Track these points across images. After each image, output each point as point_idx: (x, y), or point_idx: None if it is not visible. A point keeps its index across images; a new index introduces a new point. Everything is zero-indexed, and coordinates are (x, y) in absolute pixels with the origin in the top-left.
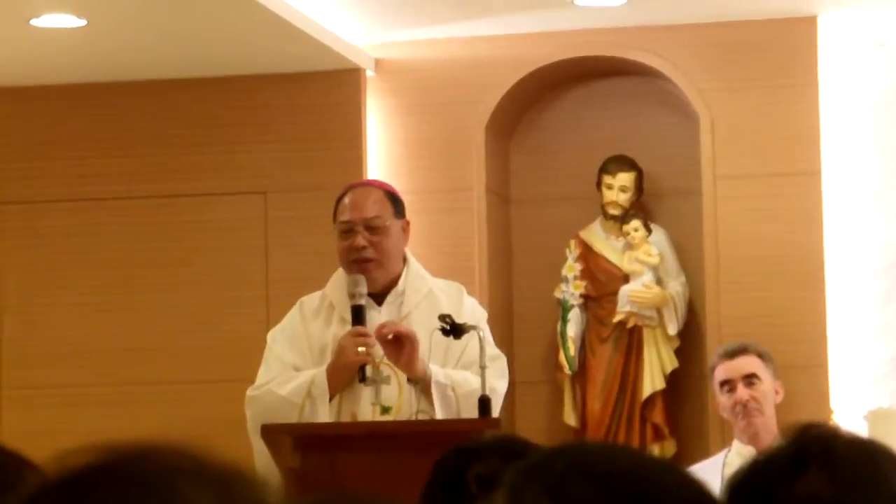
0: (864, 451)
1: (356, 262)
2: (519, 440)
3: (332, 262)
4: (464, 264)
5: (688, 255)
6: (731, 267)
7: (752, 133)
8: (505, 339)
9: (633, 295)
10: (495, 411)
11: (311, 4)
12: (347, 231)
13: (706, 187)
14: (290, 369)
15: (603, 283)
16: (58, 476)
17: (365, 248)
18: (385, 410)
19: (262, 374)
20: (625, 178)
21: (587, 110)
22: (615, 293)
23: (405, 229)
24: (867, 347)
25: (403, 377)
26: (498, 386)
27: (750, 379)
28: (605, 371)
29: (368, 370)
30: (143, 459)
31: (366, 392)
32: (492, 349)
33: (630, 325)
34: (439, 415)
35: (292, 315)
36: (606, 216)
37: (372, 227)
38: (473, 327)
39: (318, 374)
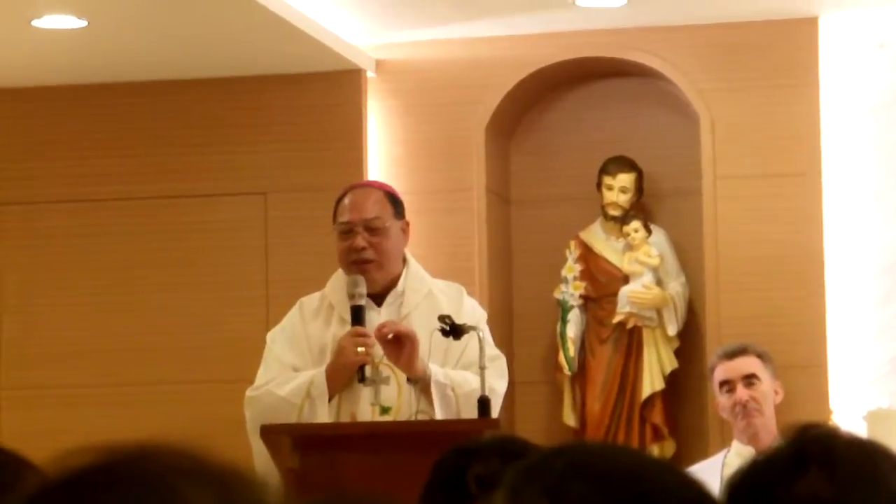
0: (863, 452)
1: (356, 263)
2: (518, 440)
3: (332, 263)
4: (464, 265)
5: (688, 256)
6: (730, 267)
7: (752, 134)
8: (505, 340)
9: (633, 296)
10: (495, 412)
11: (312, 5)
12: (347, 232)
13: (706, 188)
14: (290, 370)
15: (603, 283)
16: (57, 476)
17: (364, 248)
18: (384, 411)
19: (262, 375)
20: (625, 179)
21: (587, 111)
22: (615, 294)
23: (405, 230)
24: (866, 348)
25: (403, 377)
26: (497, 386)
27: (749, 379)
28: (604, 372)
29: (368, 370)
30: (142, 460)
31: (365, 392)
32: (491, 349)
33: (630, 325)
34: (439, 415)
35: (292, 315)
36: (606, 217)
37: (372, 228)
38: (473, 328)
39: (317, 374)
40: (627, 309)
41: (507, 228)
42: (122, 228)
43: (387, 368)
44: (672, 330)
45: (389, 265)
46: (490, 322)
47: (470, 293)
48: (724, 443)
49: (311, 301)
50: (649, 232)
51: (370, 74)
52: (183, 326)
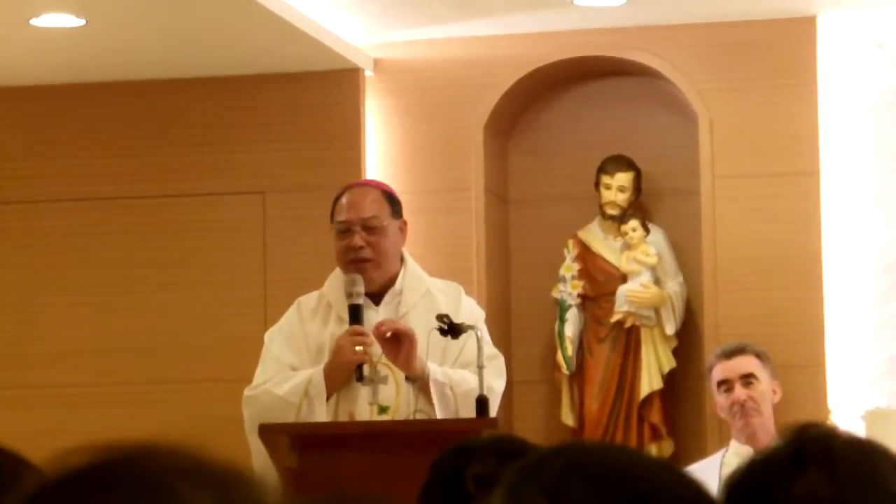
0: (862, 451)
1: (353, 262)
2: (517, 440)
3: (331, 262)
4: (462, 264)
5: (686, 255)
6: (729, 267)
7: (750, 133)
8: (503, 339)
9: (631, 295)
10: (493, 411)
11: (310, 4)
12: (345, 231)
13: (705, 187)
14: (288, 369)
15: (601, 282)
16: (56, 476)
17: (362, 247)
18: (383, 410)
19: (260, 374)
20: (623, 178)
21: (586, 110)
22: (613, 293)
23: (402, 229)
24: (865, 347)
25: (401, 376)
26: (496, 385)
27: (747, 379)
28: (602, 371)
29: (366, 369)
30: (140, 459)
31: (363, 391)
32: (489, 349)
33: (628, 324)
34: (438, 413)
35: (290, 315)
36: (605, 216)
37: (369, 227)
38: (471, 327)
39: (315, 373)
40: (625, 308)
41: (505, 227)
42: (121, 228)
43: (385, 367)
44: (670, 329)
45: (387, 264)
46: (488, 321)
47: (468, 292)
48: (723, 442)
49: (308, 300)
50: (647, 231)
51: (368, 74)
52: (181, 326)
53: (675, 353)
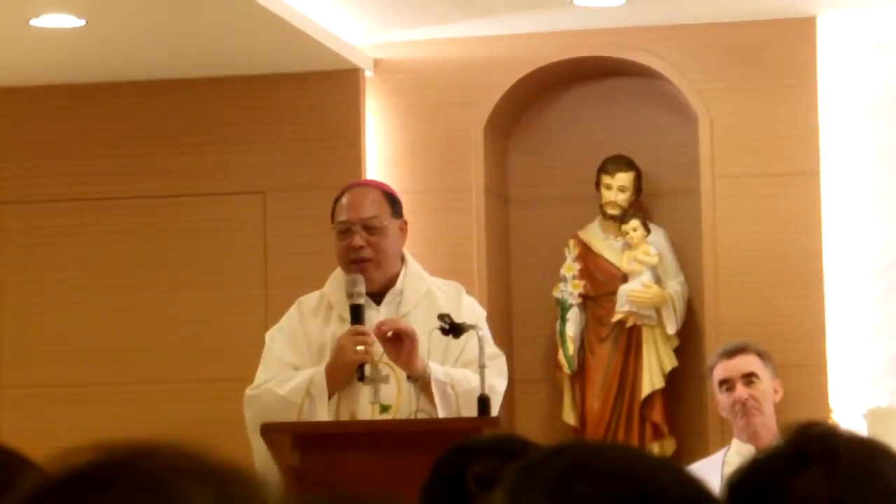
0: (863, 450)
1: (354, 262)
2: (518, 439)
3: (331, 262)
4: (463, 264)
5: (686, 255)
6: (729, 266)
7: (750, 133)
8: (504, 339)
9: (632, 294)
10: (494, 410)
11: (310, 5)
12: (345, 231)
13: (705, 187)
14: (289, 368)
15: (602, 282)
16: (56, 475)
17: (363, 247)
18: (384, 409)
19: (261, 374)
20: (623, 178)
21: (586, 110)
22: (614, 293)
23: (403, 229)
24: (866, 346)
25: (402, 376)
26: (497, 385)
27: (749, 378)
28: (604, 370)
29: (367, 369)
30: (141, 458)
31: (365, 391)
32: (491, 348)
33: (629, 324)
34: (439, 412)
35: (290, 315)
36: (605, 216)
37: (369, 227)
38: (472, 326)
39: (316, 373)
40: (626, 307)
41: (505, 227)
42: (122, 228)
43: (386, 367)
44: (671, 329)
45: (388, 264)
46: (489, 321)
47: (469, 292)
48: (724, 441)
49: (309, 300)
50: (648, 231)
51: (368, 74)
52: (182, 325)
53: (677, 352)
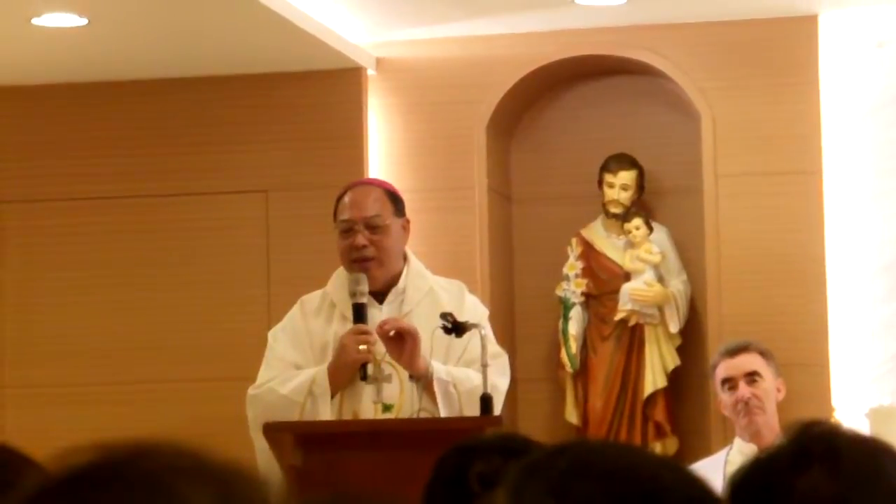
0: (866, 449)
1: (357, 261)
2: (520, 438)
3: (334, 261)
4: (465, 263)
5: (689, 254)
6: (732, 265)
7: (753, 132)
8: (506, 337)
9: (635, 293)
10: (497, 409)
11: (313, 3)
12: (348, 230)
13: (707, 186)
14: (292, 368)
15: (604, 281)
16: (57, 475)
17: (365, 246)
18: (387, 408)
19: (264, 373)
20: (626, 177)
21: (588, 109)
22: (616, 291)
23: (405, 228)
24: (868, 345)
25: (405, 375)
26: (499, 383)
27: (751, 377)
28: (606, 369)
29: (370, 368)
30: (141, 458)
31: (367, 390)
32: (493, 347)
33: (632, 323)
34: (442, 411)
35: (293, 314)
36: (608, 214)
37: (372, 226)
38: (475, 325)
39: (319, 372)
40: (629, 306)
41: (508, 226)
42: (123, 227)
43: (389, 366)
44: (674, 327)
45: (390, 263)
46: (492, 319)
47: (471, 291)
48: (727, 440)
49: (311, 299)
50: (650, 229)
51: (371, 73)
52: (184, 325)
53: (679, 351)
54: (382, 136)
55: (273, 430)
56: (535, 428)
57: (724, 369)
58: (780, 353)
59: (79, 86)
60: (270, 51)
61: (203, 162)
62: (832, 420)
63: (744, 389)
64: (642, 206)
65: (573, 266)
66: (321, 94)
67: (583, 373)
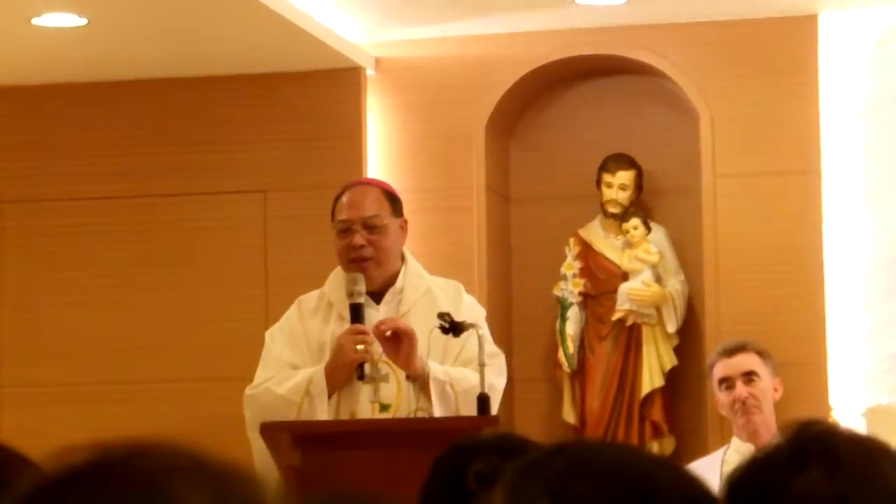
0: (863, 448)
1: (354, 261)
2: (518, 438)
3: (332, 261)
4: (463, 262)
5: (687, 254)
6: (730, 265)
7: (751, 131)
8: (504, 337)
9: (633, 293)
10: (494, 409)
11: (312, 3)
12: (345, 230)
13: (706, 185)
14: (289, 368)
15: (602, 280)
16: (52, 474)
17: (363, 246)
18: (384, 408)
19: (261, 373)
20: (624, 177)
21: (587, 109)
22: (614, 291)
23: (403, 228)
24: (866, 345)
25: (402, 375)
26: (497, 383)
27: (749, 376)
28: (604, 369)
29: (367, 368)
30: (137, 458)
31: (365, 390)
32: (490, 347)
33: (629, 322)
34: (437, 411)
35: (290, 314)
36: (606, 214)
37: (370, 226)
38: (472, 325)
39: (316, 372)
40: (627, 306)
41: (506, 226)
42: (122, 227)
43: (386, 366)
44: (671, 327)
45: (388, 263)
46: (489, 319)
47: (469, 290)
48: (724, 440)
49: (309, 299)
50: (649, 229)
51: (370, 72)
52: (182, 324)
53: (677, 350)
54: (381, 135)
55: (270, 430)
56: (532, 427)
57: (721, 369)
58: (778, 353)
59: (78, 86)
60: (269, 51)
61: (202, 162)
62: (829, 419)
63: (741, 389)
64: (640, 205)
65: (571, 266)
66: (320, 94)
67: (580, 372)
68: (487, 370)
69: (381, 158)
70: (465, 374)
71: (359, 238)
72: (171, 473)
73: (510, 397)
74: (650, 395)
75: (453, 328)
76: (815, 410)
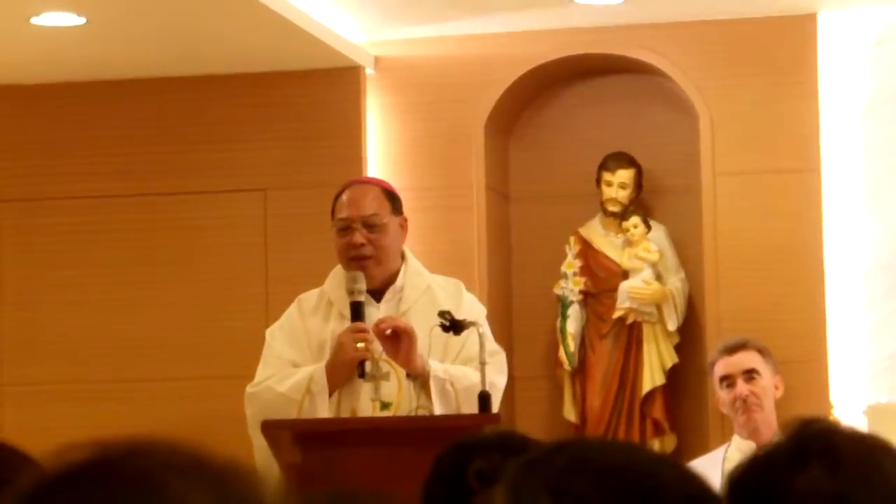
0: (864, 446)
1: (354, 260)
2: (518, 436)
3: (332, 260)
4: (463, 261)
5: (687, 252)
6: (730, 263)
7: (751, 130)
8: (504, 336)
9: (633, 291)
10: (495, 407)
11: (311, 2)
12: (345, 228)
13: (705, 184)
14: (289, 366)
15: (602, 279)
16: (52, 473)
17: (363, 245)
18: (385, 406)
19: (261, 372)
20: (624, 175)
21: (586, 107)
22: (615, 289)
23: (403, 226)
24: (866, 343)
25: (403, 373)
26: (497, 381)
27: (750, 374)
28: (604, 367)
29: (368, 366)
30: (136, 456)
31: (365, 388)
32: (491, 345)
33: (630, 321)
34: (438, 410)
35: (290, 312)
36: (606, 213)
37: (370, 225)
38: (473, 323)
39: (317, 370)
40: (627, 304)
41: (506, 224)
42: (122, 225)
43: (386, 364)
44: (672, 325)
45: (388, 261)
46: (490, 318)
47: (469, 289)
48: (725, 437)
49: (309, 298)
50: (648, 228)
51: (369, 71)
52: (183, 323)
53: (677, 348)
54: (380, 134)
55: (271, 428)
56: (533, 426)
57: (722, 367)
58: (779, 351)
59: (77, 85)
60: (269, 50)
61: (201, 161)
62: (830, 417)
63: (742, 387)
64: (640, 204)
65: (571, 264)
66: (320, 93)
67: (581, 371)
68: (488, 368)
69: (380, 157)
70: (466, 372)
71: (359, 236)
72: (170, 472)
73: (511, 395)
74: (651, 393)
75: (454, 326)
76: (815, 408)
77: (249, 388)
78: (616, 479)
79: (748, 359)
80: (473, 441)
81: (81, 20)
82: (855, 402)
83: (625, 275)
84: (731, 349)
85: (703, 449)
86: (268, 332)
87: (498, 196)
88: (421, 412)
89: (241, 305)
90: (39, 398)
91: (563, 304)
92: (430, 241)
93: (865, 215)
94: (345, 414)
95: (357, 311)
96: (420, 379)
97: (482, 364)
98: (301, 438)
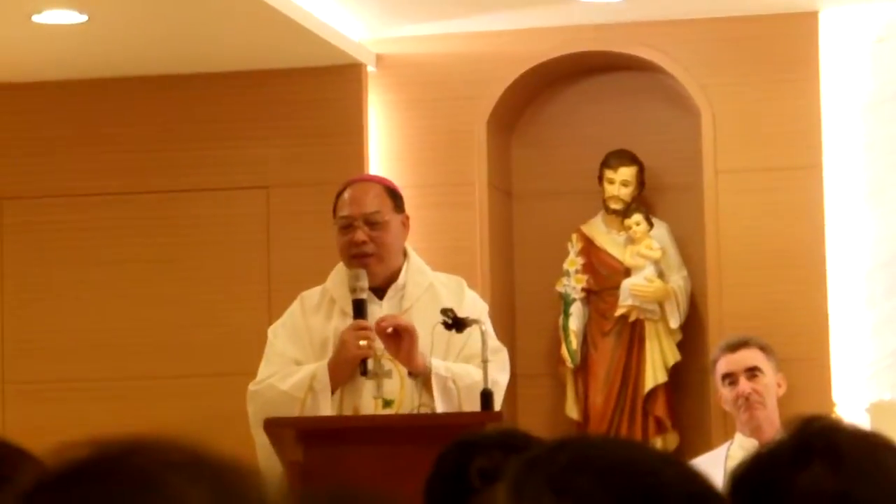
0: (867, 444)
1: (356, 257)
2: (521, 434)
3: (334, 257)
4: (465, 259)
5: (689, 249)
6: (732, 261)
7: (753, 127)
8: (507, 333)
9: (635, 289)
10: (497, 404)
11: (313, 1)
12: (347, 226)
13: (707, 182)
14: (292, 364)
15: (605, 276)
16: (51, 470)
17: (365, 242)
18: (387, 404)
19: (264, 369)
20: (626, 173)
21: (588, 105)
22: (617, 287)
23: (405, 224)
24: (869, 340)
25: (405, 370)
26: (500, 379)
27: (752, 372)
28: (607, 364)
29: (370, 364)
30: (135, 454)
31: (368, 385)
32: (493, 342)
33: (632, 318)
34: (440, 407)
35: (293, 310)
36: (608, 210)
37: (372, 222)
38: (475, 321)
39: (319, 368)
40: (629, 302)
41: (508, 222)
42: (124, 223)
43: (389, 362)
44: (674, 323)
45: (390, 259)
46: (492, 315)
47: (471, 286)
48: (727, 435)
49: (311, 295)
50: (651, 225)
51: (371, 69)
52: (185, 320)
53: (680, 346)
54: (383, 132)
55: (274, 426)
56: (535, 423)
57: (724, 364)
58: (781, 349)
59: (79, 83)
60: (271, 47)
61: (204, 158)
62: (833, 415)
63: (744, 384)
64: (642, 201)
65: (573, 262)
66: (322, 91)
67: (583, 368)
68: (490, 366)
69: (382, 155)
70: (468, 369)
71: (360, 234)
72: (170, 469)
73: (513, 393)
74: (653, 391)
75: (456, 324)
76: (818, 406)
77: (252, 386)
78: (618, 477)
79: (750, 356)
80: (475, 439)
81: (83, 18)
82: (857, 400)
83: (627, 272)
84: (734, 347)
85: (706, 447)
86: (270, 330)
87: (500, 193)
88: (423, 410)
89: (244, 303)
90: (40, 396)
91: (566, 301)
92: (433, 239)
93: (867, 212)
94: (347, 412)
95: (359, 309)
96: (422, 377)
97: (484, 362)
98: (303, 436)
